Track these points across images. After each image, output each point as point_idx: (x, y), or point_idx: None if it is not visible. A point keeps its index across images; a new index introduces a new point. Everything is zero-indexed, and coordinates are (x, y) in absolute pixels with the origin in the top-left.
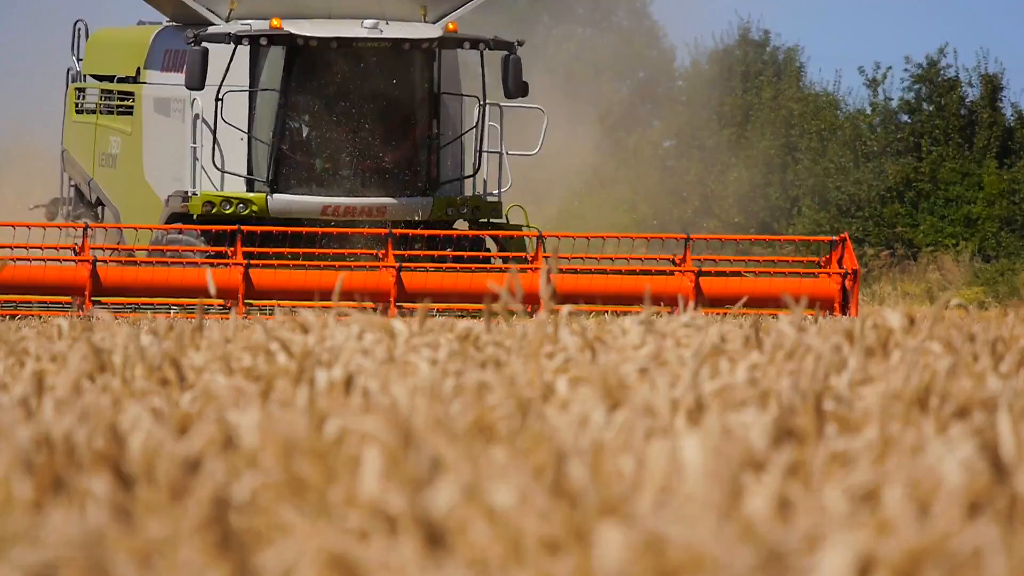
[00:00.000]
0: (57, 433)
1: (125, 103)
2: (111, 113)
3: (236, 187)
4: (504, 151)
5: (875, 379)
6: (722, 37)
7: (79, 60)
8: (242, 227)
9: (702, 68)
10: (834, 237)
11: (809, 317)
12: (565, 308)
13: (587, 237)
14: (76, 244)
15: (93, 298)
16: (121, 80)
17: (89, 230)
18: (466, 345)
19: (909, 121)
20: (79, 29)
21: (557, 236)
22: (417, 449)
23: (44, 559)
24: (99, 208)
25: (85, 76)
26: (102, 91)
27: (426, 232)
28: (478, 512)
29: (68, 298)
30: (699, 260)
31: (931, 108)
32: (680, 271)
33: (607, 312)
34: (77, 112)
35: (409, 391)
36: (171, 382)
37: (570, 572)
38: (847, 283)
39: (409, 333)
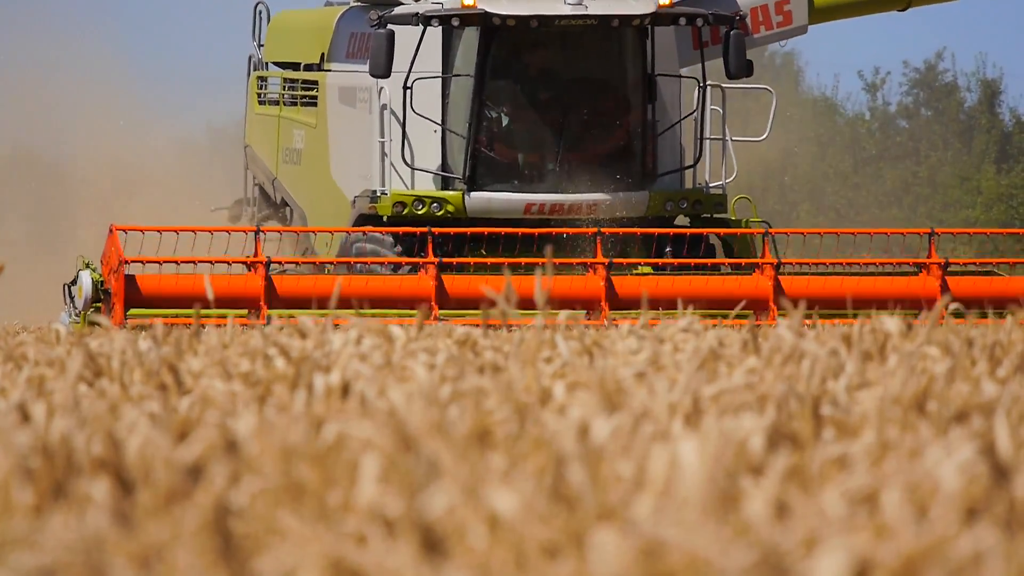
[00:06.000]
0: (55, 438)
1: (309, 93)
2: (295, 104)
3: (428, 185)
4: (728, 137)
5: (873, 383)
6: None
7: (260, 46)
8: (433, 229)
9: None
10: None
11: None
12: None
13: (819, 233)
14: (249, 259)
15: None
16: (305, 68)
17: (262, 234)
18: (464, 350)
19: (907, 126)
20: (260, 12)
21: (786, 233)
22: (415, 454)
23: (43, 564)
24: (285, 209)
25: (267, 64)
26: (285, 80)
27: (639, 231)
28: (476, 517)
29: (243, 313)
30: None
31: (929, 113)
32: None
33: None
34: (259, 103)
35: (406, 396)
36: (169, 387)
37: None
38: None
39: (407, 338)
